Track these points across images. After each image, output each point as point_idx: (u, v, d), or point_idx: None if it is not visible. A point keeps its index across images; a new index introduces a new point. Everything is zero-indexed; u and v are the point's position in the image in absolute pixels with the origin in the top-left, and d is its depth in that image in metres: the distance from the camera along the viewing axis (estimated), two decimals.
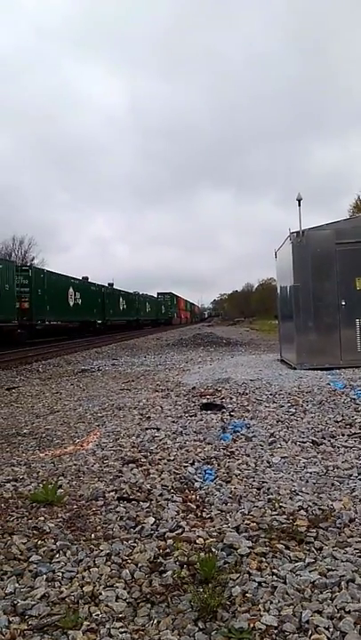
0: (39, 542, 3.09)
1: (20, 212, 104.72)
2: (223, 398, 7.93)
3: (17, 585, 2.65)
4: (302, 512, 3.49)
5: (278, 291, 14.53)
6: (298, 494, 3.83)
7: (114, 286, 46.69)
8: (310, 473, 4.33)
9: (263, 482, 4.13)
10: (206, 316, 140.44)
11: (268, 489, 3.95)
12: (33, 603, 2.49)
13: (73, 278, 32.66)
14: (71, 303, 30.91)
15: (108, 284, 44.83)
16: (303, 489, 3.94)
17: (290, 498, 3.75)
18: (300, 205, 11.83)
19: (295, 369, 11.18)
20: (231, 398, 7.88)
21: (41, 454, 5.16)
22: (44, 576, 2.73)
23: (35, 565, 2.83)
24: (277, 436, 5.52)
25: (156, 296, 70.97)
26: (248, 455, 4.89)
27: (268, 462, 4.66)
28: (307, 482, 4.12)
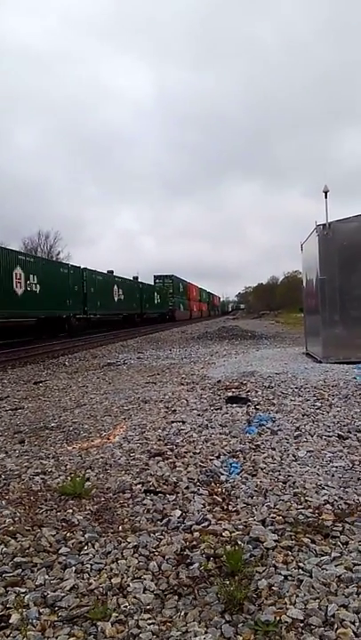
0: (68, 534, 3.16)
1: (47, 206, 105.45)
2: (249, 392, 7.92)
3: (47, 577, 2.71)
4: (328, 506, 3.48)
5: (304, 284, 14.41)
6: (324, 488, 3.82)
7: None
8: (336, 467, 4.31)
9: (289, 475, 4.13)
10: (230, 309, 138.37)
11: (294, 483, 3.95)
12: (62, 594, 2.54)
13: None
14: None
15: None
16: (329, 483, 3.93)
17: (316, 492, 3.75)
18: (326, 197, 11.78)
19: (321, 362, 11.10)
20: (257, 391, 7.88)
21: (68, 447, 5.24)
22: (73, 568, 2.79)
23: (64, 557, 2.89)
24: (303, 430, 5.50)
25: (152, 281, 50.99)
26: (274, 449, 4.89)
27: (294, 456, 4.65)
28: (333, 476, 4.11)
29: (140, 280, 43.96)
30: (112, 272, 36.31)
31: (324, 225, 11.12)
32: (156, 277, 53.23)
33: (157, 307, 47.48)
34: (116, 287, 34.59)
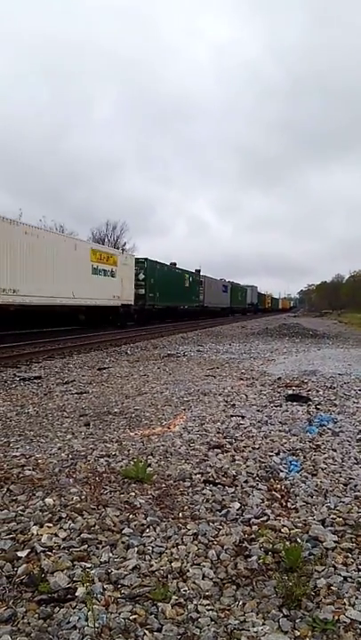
0: (131, 516, 3.26)
1: (114, 192, 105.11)
2: (309, 391, 7.84)
3: (111, 554, 2.82)
4: None
5: None
6: None
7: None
8: None
9: (350, 478, 4.08)
10: (290, 306, 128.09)
11: (356, 486, 3.90)
12: (125, 573, 2.64)
13: None
14: None
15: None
16: None
17: None
18: None
19: None
20: (318, 391, 7.78)
21: (131, 433, 5.38)
22: (136, 549, 2.88)
23: (127, 537, 3.00)
24: None
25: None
26: (335, 450, 4.84)
27: (356, 459, 4.58)
28: None
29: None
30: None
31: None
32: None
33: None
34: None
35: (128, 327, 25.23)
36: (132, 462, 4.22)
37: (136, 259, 28.37)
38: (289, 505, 3.60)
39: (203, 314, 43.13)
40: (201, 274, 40.84)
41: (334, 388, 8.09)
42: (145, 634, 2.22)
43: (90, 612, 2.30)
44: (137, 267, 27.30)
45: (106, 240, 60.29)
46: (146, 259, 29.37)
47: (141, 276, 27.94)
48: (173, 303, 34.42)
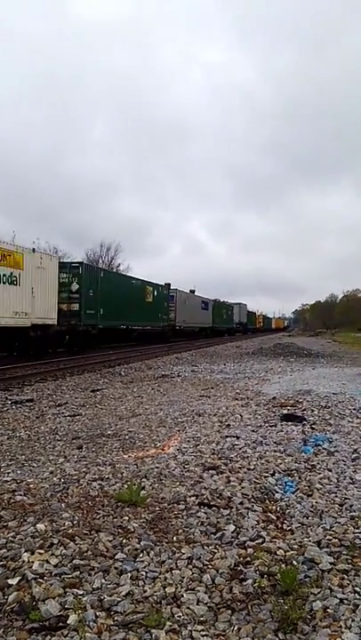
0: (124, 541, 3.21)
1: (109, 214, 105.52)
2: (304, 410, 7.81)
3: (103, 581, 2.77)
4: None
5: None
6: None
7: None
8: None
9: (346, 498, 4.04)
10: (284, 326, 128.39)
11: (351, 506, 3.87)
12: (118, 599, 2.59)
13: None
14: None
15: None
16: None
17: None
18: None
19: None
20: (313, 411, 7.76)
21: (124, 456, 5.33)
22: (129, 574, 2.83)
23: (120, 563, 2.94)
24: None
25: None
26: (330, 470, 4.80)
27: (351, 479, 4.55)
28: None
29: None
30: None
31: None
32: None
33: None
34: None
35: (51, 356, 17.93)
36: (125, 485, 4.17)
37: (65, 263, 21.70)
38: (284, 526, 3.57)
39: (174, 335, 35.12)
40: (172, 287, 34.93)
41: (329, 407, 8.07)
42: None
43: None
44: (68, 273, 20.56)
45: (100, 261, 60.36)
46: (81, 263, 22.33)
47: (75, 287, 20.68)
48: (127, 322, 26.38)
